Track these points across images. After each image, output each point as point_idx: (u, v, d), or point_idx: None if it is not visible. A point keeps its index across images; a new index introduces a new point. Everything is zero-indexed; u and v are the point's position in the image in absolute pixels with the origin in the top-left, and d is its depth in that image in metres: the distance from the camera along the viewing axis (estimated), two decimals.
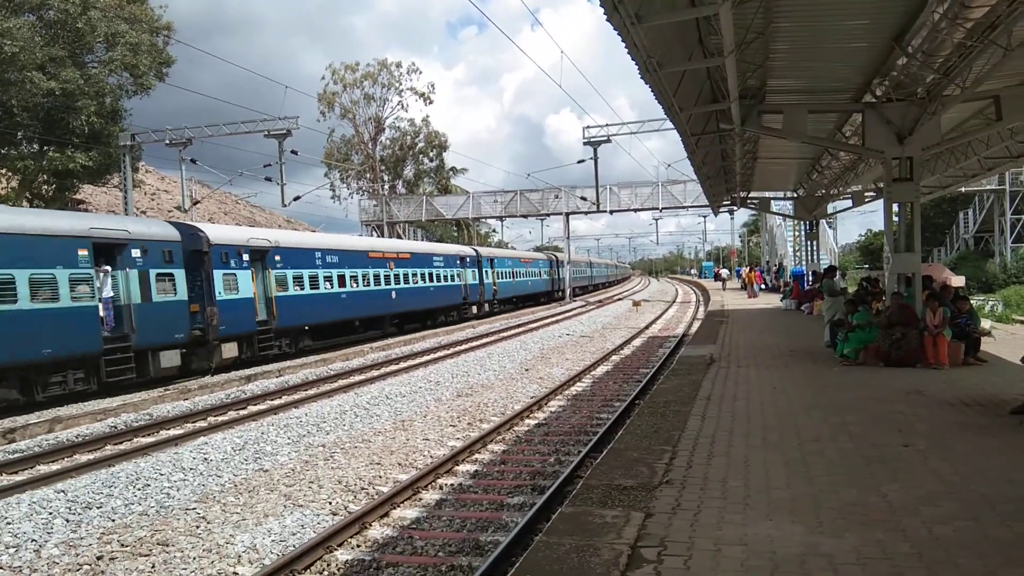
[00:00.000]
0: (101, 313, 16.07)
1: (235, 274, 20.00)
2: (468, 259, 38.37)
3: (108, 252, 16.50)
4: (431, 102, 68.30)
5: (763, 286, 40.44)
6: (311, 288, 23.43)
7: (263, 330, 21.03)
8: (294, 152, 35.69)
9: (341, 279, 25.29)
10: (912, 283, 13.25)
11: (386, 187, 68.35)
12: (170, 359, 17.70)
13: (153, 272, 17.31)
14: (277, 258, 21.99)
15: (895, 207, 14.28)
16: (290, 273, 22.49)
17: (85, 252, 15.72)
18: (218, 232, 20.83)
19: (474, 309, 38.64)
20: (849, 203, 31.98)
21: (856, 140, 15.77)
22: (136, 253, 16.96)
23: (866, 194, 28.95)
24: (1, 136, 31.04)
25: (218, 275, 19.31)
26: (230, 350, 19.53)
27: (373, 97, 65.30)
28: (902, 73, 12.43)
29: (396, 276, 29.53)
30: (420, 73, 70.62)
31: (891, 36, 11.03)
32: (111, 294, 16.39)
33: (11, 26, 26.83)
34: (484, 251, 43.13)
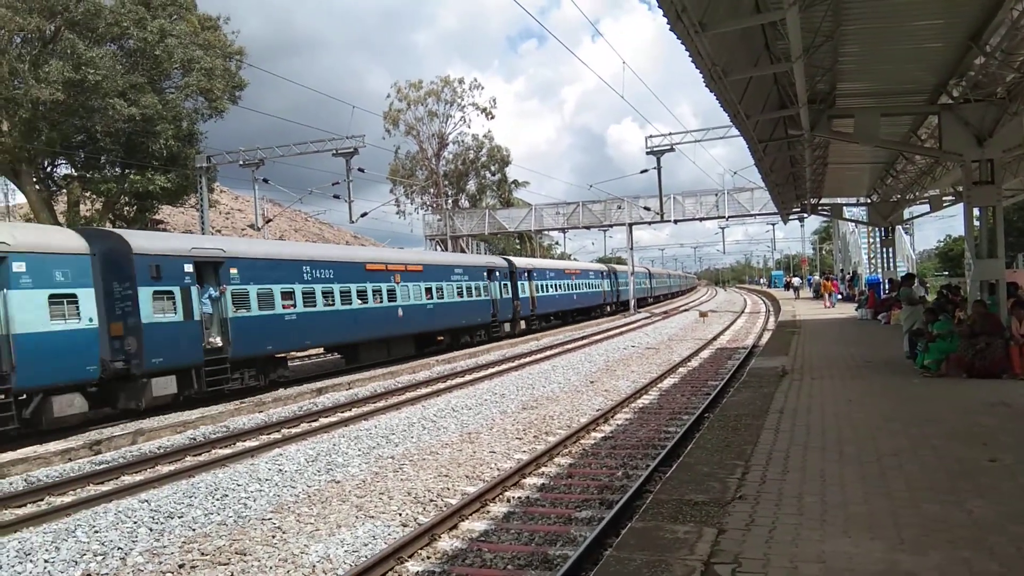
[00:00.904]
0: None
1: (523, 283, 36.04)
2: (604, 272, 52.62)
3: (491, 272, 32.17)
4: (493, 117, 68.83)
5: (840, 295, 38.82)
6: (543, 292, 38.69)
7: (529, 315, 36.96)
8: (361, 170, 36.63)
9: (556, 286, 40.94)
10: (996, 290, 12.72)
11: (449, 201, 69.17)
12: (507, 328, 33.45)
13: (501, 283, 33.07)
14: (534, 274, 37.51)
15: (976, 212, 13.73)
16: (539, 283, 38.10)
17: (485, 273, 31.66)
18: (517, 261, 36.67)
19: (607, 308, 51.58)
20: (926, 208, 30.88)
21: (932, 143, 15.27)
22: (497, 273, 32.85)
23: (944, 198, 27.91)
24: (86, 160, 32.70)
25: (520, 284, 35.39)
26: (521, 324, 35.57)
27: (436, 113, 66.37)
28: (980, 73, 11.99)
29: (575, 284, 44.86)
30: (482, 89, 71.62)
31: (967, 35, 10.66)
32: (493, 295, 31.98)
33: (94, 56, 28.30)
34: (611, 267, 56.59)
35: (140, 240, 16.21)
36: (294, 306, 19.45)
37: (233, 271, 17.83)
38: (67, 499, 10.06)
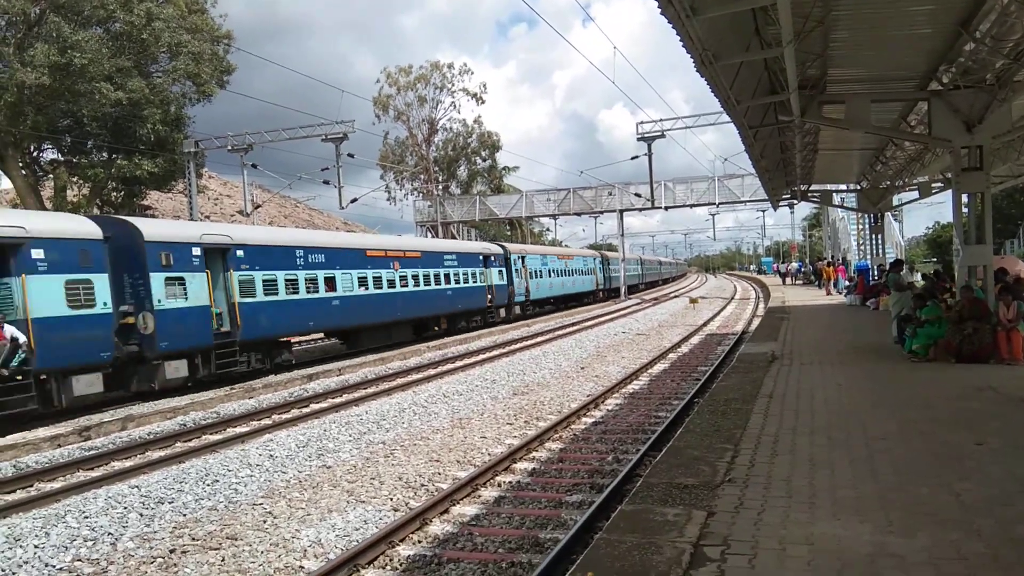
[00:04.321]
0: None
1: (518, 269, 36.57)
2: (596, 259, 53.42)
3: (486, 259, 33.10)
4: (483, 102, 68.73)
5: (848, 282, 36.34)
6: (537, 278, 39.20)
7: (523, 301, 37.46)
8: (351, 155, 36.37)
9: (551, 272, 41.45)
10: (984, 276, 12.79)
11: (440, 188, 68.97)
12: (502, 313, 34.41)
13: (496, 269, 33.98)
14: (528, 260, 38.06)
15: (964, 198, 13.76)
16: (532, 269, 38.58)
17: (480, 259, 32.66)
18: (511, 247, 37.08)
19: (599, 295, 52.15)
20: (915, 195, 30.93)
21: (922, 129, 15.28)
22: (492, 259, 33.58)
23: (933, 185, 27.94)
24: (73, 146, 32.38)
25: (514, 270, 35.85)
26: (516, 310, 36.18)
27: (426, 99, 66.04)
28: (970, 59, 11.99)
29: (568, 270, 45.26)
30: (472, 74, 71.13)
31: (957, 21, 10.64)
32: (488, 281, 33.14)
33: (80, 39, 27.91)
34: (603, 253, 58.54)
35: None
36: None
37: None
38: (56, 485, 10.03)
